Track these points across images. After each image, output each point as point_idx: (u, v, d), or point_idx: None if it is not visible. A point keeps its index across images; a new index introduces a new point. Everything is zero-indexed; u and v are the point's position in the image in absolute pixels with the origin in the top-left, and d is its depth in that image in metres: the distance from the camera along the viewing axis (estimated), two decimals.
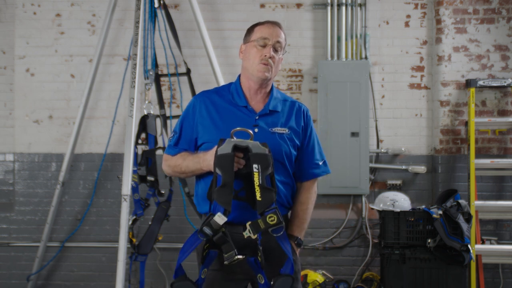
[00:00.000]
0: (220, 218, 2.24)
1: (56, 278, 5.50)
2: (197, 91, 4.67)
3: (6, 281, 5.50)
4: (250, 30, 2.61)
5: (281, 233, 2.30)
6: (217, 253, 2.35)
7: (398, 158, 5.44)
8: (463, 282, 4.58)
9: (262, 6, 5.50)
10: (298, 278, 2.57)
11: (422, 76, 5.46)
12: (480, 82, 5.13)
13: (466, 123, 5.21)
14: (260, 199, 2.26)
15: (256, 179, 2.26)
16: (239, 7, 5.48)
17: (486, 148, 5.32)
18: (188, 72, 5.08)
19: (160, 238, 4.69)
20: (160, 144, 4.85)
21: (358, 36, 5.42)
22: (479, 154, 5.22)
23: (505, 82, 5.16)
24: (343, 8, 5.40)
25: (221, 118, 2.53)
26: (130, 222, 4.48)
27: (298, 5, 5.50)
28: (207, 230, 2.25)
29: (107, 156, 5.42)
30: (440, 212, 4.56)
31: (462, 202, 4.67)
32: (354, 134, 5.28)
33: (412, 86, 5.46)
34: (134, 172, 4.54)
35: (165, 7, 4.99)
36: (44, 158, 5.54)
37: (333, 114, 5.29)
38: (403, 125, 5.46)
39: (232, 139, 2.30)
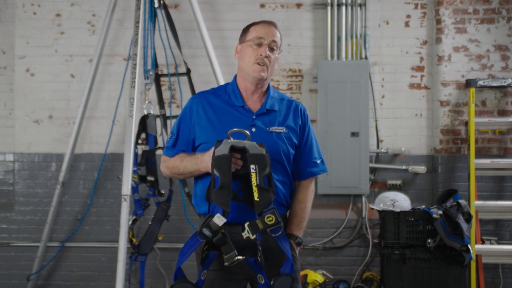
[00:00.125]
0: (219, 219, 2.24)
1: (56, 278, 5.50)
2: (197, 91, 4.67)
3: (6, 281, 5.50)
4: (246, 30, 2.61)
5: (280, 233, 2.30)
6: (217, 254, 2.35)
7: (398, 158, 5.44)
8: (463, 282, 4.58)
9: (262, 6, 5.50)
10: (298, 277, 2.57)
11: (422, 76, 5.46)
12: (480, 82, 5.13)
13: (466, 123, 5.21)
14: (258, 199, 2.26)
15: (254, 180, 2.26)
16: (239, 7, 5.48)
17: (486, 148, 5.32)
18: (188, 72, 5.08)
19: (160, 238, 4.69)
20: (160, 144, 4.85)
21: (358, 36, 5.42)
22: (479, 154, 5.22)
23: (505, 82, 5.16)
24: (343, 8, 5.40)
25: (218, 118, 2.53)
26: (130, 222, 4.48)
27: (298, 5, 5.50)
28: (206, 231, 2.25)
29: (107, 156, 5.42)
30: (440, 212, 4.57)
31: (462, 202, 4.67)
32: (354, 134, 5.28)
33: (412, 86, 5.46)
34: (134, 172, 4.54)
35: (165, 7, 4.99)
36: (44, 158, 5.54)
37: (333, 114, 5.29)
38: (403, 125, 5.46)
39: (229, 140, 2.30)
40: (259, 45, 2.53)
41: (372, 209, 5.07)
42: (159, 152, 4.70)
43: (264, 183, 2.28)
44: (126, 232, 4.44)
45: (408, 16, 5.46)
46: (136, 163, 4.55)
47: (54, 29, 5.52)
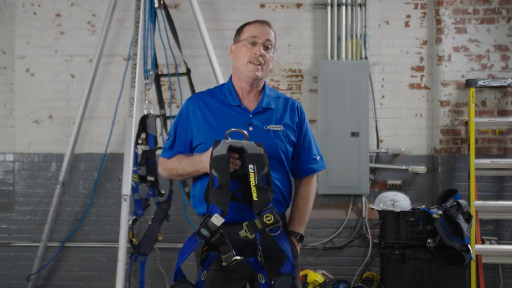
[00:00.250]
0: (217, 219, 2.24)
1: (56, 278, 5.50)
2: (197, 91, 4.67)
3: (6, 281, 5.50)
4: (240, 30, 2.61)
5: (279, 232, 2.30)
6: (217, 254, 2.35)
7: (398, 158, 5.44)
8: (463, 282, 4.58)
9: (262, 6, 5.50)
10: (297, 274, 2.57)
11: (422, 76, 5.46)
12: (480, 82, 5.13)
13: (466, 123, 5.21)
14: (256, 199, 2.27)
15: (252, 179, 2.27)
16: (239, 7, 5.48)
17: (486, 148, 5.32)
18: (188, 72, 5.08)
19: (160, 238, 4.69)
20: (160, 144, 4.84)
21: (358, 36, 5.42)
22: (479, 154, 5.22)
23: (505, 82, 5.16)
24: (343, 8, 5.40)
25: (215, 118, 2.53)
26: (130, 222, 4.47)
27: (298, 5, 5.50)
28: (204, 232, 2.25)
29: (107, 156, 5.42)
30: (440, 212, 4.56)
31: (462, 202, 4.67)
32: (354, 134, 5.28)
33: (412, 86, 5.46)
34: (134, 172, 4.54)
35: (165, 7, 4.99)
36: (44, 158, 5.54)
37: (333, 114, 5.28)
38: (403, 125, 5.46)
39: (227, 140, 2.30)
40: (254, 44, 2.53)
41: (372, 209, 5.07)
42: (159, 152, 4.69)
43: (262, 182, 2.28)
44: (126, 232, 4.44)
45: (408, 16, 5.46)
46: (136, 163, 4.55)
47: (54, 29, 5.52)
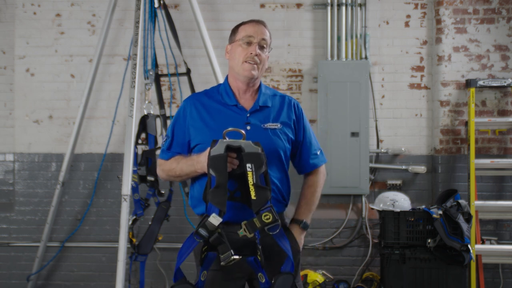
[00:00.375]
0: (215, 219, 2.24)
1: (56, 278, 5.50)
2: (197, 91, 4.68)
3: (6, 281, 5.50)
4: (235, 30, 2.61)
5: (277, 231, 2.30)
6: (216, 254, 2.35)
7: (398, 158, 5.44)
8: (463, 282, 4.58)
9: (262, 6, 5.50)
10: (298, 271, 2.58)
11: (422, 76, 5.46)
12: (480, 82, 5.13)
13: (466, 123, 5.21)
14: (255, 198, 2.27)
15: (250, 178, 2.27)
16: (239, 7, 5.48)
17: (486, 148, 5.32)
18: (188, 72, 5.08)
19: (160, 238, 4.69)
20: (160, 144, 4.85)
21: (358, 36, 5.42)
22: (479, 154, 5.22)
23: (505, 82, 5.16)
24: (343, 8, 5.40)
25: (212, 118, 2.53)
26: (130, 222, 4.48)
27: (298, 5, 5.50)
28: (202, 231, 2.25)
29: (107, 156, 5.42)
30: (440, 212, 4.57)
31: (462, 202, 4.67)
32: (354, 134, 5.28)
33: (412, 86, 5.46)
34: (134, 172, 4.54)
35: (165, 7, 4.99)
36: (44, 158, 5.54)
37: (333, 114, 5.29)
38: (403, 125, 5.46)
39: (225, 140, 2.30)
40: (249, 44, 2.54)
41: (372, 209, 5.07)
42: (159, 152, 4.70)
43: (260, 181, 2.28)
44: (126, 232, 4.44)
45: (408, 16, 5.46)
46: (136, 163, 4.55)
47: (54, 29, 5.52)
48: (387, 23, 5.47)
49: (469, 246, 4.46)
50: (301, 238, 2.63)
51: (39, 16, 5.52)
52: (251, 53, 2.51)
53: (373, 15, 5.46)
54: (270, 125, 2.55)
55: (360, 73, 5.29)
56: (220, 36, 5.41)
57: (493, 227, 5.33)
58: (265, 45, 2.56)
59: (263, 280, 2.34)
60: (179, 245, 2.36)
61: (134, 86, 4.73)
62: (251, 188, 2.27)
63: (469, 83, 5.15)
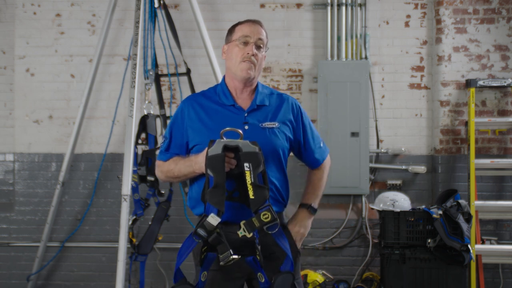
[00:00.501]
0: (213, 219, 2.24)
1: (56, 278, 5.50)
2: (197, 91, 4.68)
3: (6, 281, 5.50)
4: (231, 30, 2.61)
5: (276, 230, 2.30)
6: (216, 255, 2.35)
7: (398, 158, 5.44)
8: (463, 282, 4.58)
9: (262, 6, 5.50)
10: (298, 267, 2.59)
11: (422, 76, 5.46)
12: (480, 82, 5.13)
13: (466, 123, 5.21)
14: (253, 197, 2.27)
15: (248, 178, 2.27)
16: (239, 7, 5.48)
17: (486, 148, 5.32)
18: (188, 72, 5.08)
19: (160, 238, 4.69)
20: (160, 144, 4.84)
21: (358, 36, 5.42)
22: (479, 154, 5.22)
23: (505, 82, 5.16)
24: (343, 8, 5.40)
25: (210, 119, 2.53)
26: (130, 222, 4.47)
27: (298, 5, 5.50)
28: (201, 232, 2.26)
29: (107, 156, 5.42)
30: (440, 212, 4.56)
31: (462, 202, 4.67)
32: (354, 134, 5.28)
33: (412, 86, 5.46)
34: (134, 172, 4.54)
35: (165, 7, 4.99)
36: (44, 158, 5.54)
37: (333, 114, 5.29)
38: (403, 125, 5.46)
39: (222, 140, 2.30)
40: (246, 44, 2.53)
41: (372, 209, 5.07)
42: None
43: (258, 180, 2.28)
44: (126, 232, 4.44)
45: (408, 16, 5.46)
46: (136, 163, 4.55)
47: (54, 29, 5.52)
48: (387, 23, 5.47)
49: (469, 246, 4.46)
50: (308, 222, 2.64)
51: (39, 16, 5.52)
52: (248, 53, 2.51)
53: (373, 15, 5.46)
54: (268, 124, 2.54)
55: (360, 73, 5.29)
56: (220, 36, 5.39)
57: (493, 227, 5.33)
58: (261, 45, 2.56)
59: (263, 280, 2.34)
60: (179, 245, 2.36)
61: (134, 86, 4.73)
62: (249, 188, 2.27)
63: (469, 83, 5.15)
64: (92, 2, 5.51)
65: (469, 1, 5.33)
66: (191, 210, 2.59)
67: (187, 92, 5.11)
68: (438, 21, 5.35)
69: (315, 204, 2.69)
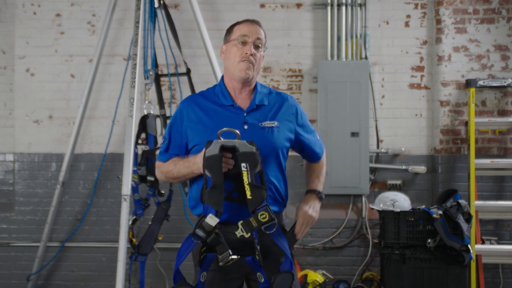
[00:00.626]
0: (211, 220, 2.24)
1: (56, 278, 5.50)
2: (197, 91, 4.68)
3: (6, 281, 5.50)
4: (230, 30, 2.61)
5: (274, 230, 2.30)
6: (215, 255, 2.35)
7: (398, 158, 5.44)
8: (463, 282, 4.58)
9: (262, 6, 5.50)
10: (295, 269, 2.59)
11: (422, 76, 5.46)
12: (480, 82, 5.13)
13: (466, 123, 5.21)
14: (250, 197, 2.27)
15: (245, 178, 2.27)
16: (239, 7, 5.48)
17: (486, 148, 5.32)
18: (188, 72, 5.08)
19: (160, 238, 4.69)
20: (160, 144, 4.84)
21: (358, 36, 5.42)
22: (479, 154, 5.22)
23: (505, 82, 5.16)
24: (343, 8, 5.40)
25: (210, 119, 2.53)
26: (130, 222, 4.47)
27: (298, 5, 5.50)
28: (200, 232, 2.26)
29: (107, 156, 5.42)
30: (440, 212, 4.57)
31: (462, 202, 4.68)
32: (354, 134, 5.28)
33: (412, 86, 5.46)
34: (134, 172, 4.54)
35: (165, 7, 4.99)
36: (44, 158, 5.54)
37: (333, 114, 5.29)
38: (403, 125, 5.46)
39: (219, 140, 2.30)
40: (244, 43, 2.53)
41: (372, 209, 5.07)
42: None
43: (256, 180, 2.28)
44: (126, 232, 4.44)
45: (408, 16, 5.46)
46: (136, 163, 4.55)
47: (54, 29, 5.52)
48: (387, 23, 5.47)
49: (469, 246, 4.46)
50: (318, 207, 2.63)
51: (39, 16, 5.52)
52: (246, 53, 2.51)
53: (373, 15, 5.46)
54: (267, 123, 2.54)
55: (360, 73, 5.29)
56: (220, 36, 5.34)
57: (493, 227, 5.33)
58: (260, 45, 2.56)
59: (262, 280, 2.34)
60: (179, 245, 2.37)
61: (134, 86, 4.73)
62: (247, 188, 2.27)
63: (469, 83, 5.15)
64: (92, 2, 5.51)
65: (469, 1, 5.33)
66: (191, 210, 2.59)
67: (187, 92, 5.11)
68: (438, 21, 5.35)
69: (321, 190, 2.69)
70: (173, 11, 5.39)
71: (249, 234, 2.28)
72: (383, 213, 4.78)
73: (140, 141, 4.65)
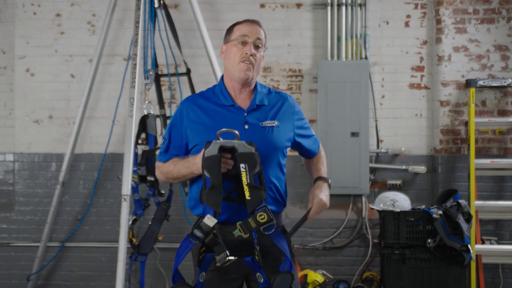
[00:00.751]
0: (209, 220, 2.24)
1: (56, 278, 5.50)
2: (197, 91, 4.68)
3: (6, 281, 5.50)
4: (230, 30, 2.60)
5: (273, 230, 2.30)
6: (214, 255, 2.35)
7: (398, 158, 5.44)
8: (463, 282, 4.58)
9: (262, 6, 5.50)
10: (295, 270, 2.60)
11: (422, 76, 5.46)
12: (480, 82, 5.13)
13: (466, 123, 5.21)
14: (249, 198, 2.27)
15: (244, 179, 2.27)
16: (239, 7, 5.48)
17: (486, 148, 5.32)
18: (188, 72, 5.08)
19: (160, 238, 4.69)
20: (160, 144, 4.84)
21: (358, 36, 5.42)
22: (479, 154, 5.22)
23: (505, 82, 5.16)
24: (343, 8, 5.40)
25: (210, 119, 2.52)
26: (130, 222, 4.47)
27: (298, 5, 5.50)
28: (198, 233, 2.26)
29: (107, 156, 5.42)
30: (440, 212, 4.57)
31: (462, 202, 4.68)
32: (354, 134, 5.28)
33: (412, 86, 5.46)
34: (134, 172, 4.54)
35: (165, 7, 4.99)
36: (44, 158, 5.54)
37: (333, 114, 5.29)
38: (403, 125, 5.46)
39: (218, 141, 2.30)
40: (244, 43, 2.52)
41: (372, 209, 5.07)
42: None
43: (255, 181, 2.27)
44: (126, 232, 4.44)
45: (408, 16, 5.46)
46: (136, 163, 4.55)
47: (54, 29, 5.52)
48: (387, 23, 5.47)
49: (469, 246, 4.46)
50: (328, 194, 2.62)
51: (39, 16, 5.53)
52: (246, 53, 2.50)
53: (373, 15, 5.46)
54: (268, 123, 2.54)
55: (360, 73, 5.29)
56: (220, 36, 5.33)
57: (493, 227, 5.33)
58: (260, 45, 2.56)
59: (262, 280, 2.34)
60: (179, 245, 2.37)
61: (134, 86, 4.73)
62: (245, 188, 2.27)
63: (469, 83, 5.15)
64: (92, 2, 5.51)
65: (469, 1, 5.33)
66: (191, 210, 2.59)
67: (187, 92, 5.11)
68: (438, 21, 5.35)
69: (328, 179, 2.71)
70: (173, 11, 5.39)
71: (248, 235, 2.28)
72: (383, 213, 4.78)
73: (140, 141, 4.65)
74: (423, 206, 4.85)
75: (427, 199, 5.40)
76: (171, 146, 2.60)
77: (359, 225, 5.41)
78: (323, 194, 2.59)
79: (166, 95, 5.30)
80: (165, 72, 5.18)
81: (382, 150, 5.41)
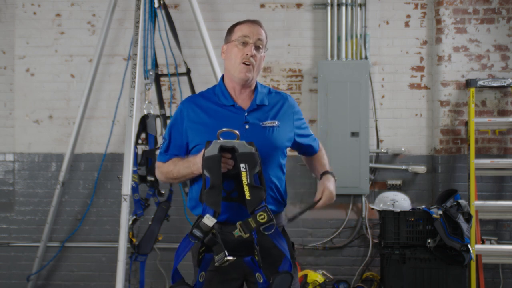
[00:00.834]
0: (209, 220, 2.24)
1: (56, 278, 5.50)
2: (197, 91, 4.68)
3: (6, 281, 5.50)
4: (231, 30, 2.60)
5: (273, 230, 2.30)
6: (213, 255, 2.35)
7: (398, 158, 5.44)
8: (463, 282, 4.58)
9: (262, 6, 5.50)
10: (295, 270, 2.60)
11: (422, 76, 5.46)
12: (480, 82, 5.13)
13: (466, 123, 5.21)
14: (249, 198, 2.27)
15: (244, 179, 2.27)
16: (239, 7, 5.48)
17: (486, 148, 5.32)
18: (188, 72, 5.08)
19: (160, 238, 4.69)
20: (160, 144, 4.84)
21: (358, 36, 5.42)
22: (479, 154, 5.22)
23: (505, 82, 5.16)
24: (343, 8, 5.40)
25: (210, 119, 2.52)
26: (130, 222, 4.47)
27: (298, 5, 5.50)
28: (197, 232, 2.26)
29: (107, 156, 5.42)
30: (440, 212, 4.57)
31: (462, 202, 4.68)
32: (354, 134, 5.28)
33: (412, 86, 5.46)
34: (134, 172, 4.54)
35: (165, 7, 4.99)
36: (44, 158, 5.54)
37: (333, 114, 5.29)
38: (403, 125, 5.46)
39: (218, 141, 2.30)
40: (245, 44, 2.52)
41: (372, 209, 5.07)
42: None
43: (255, 181, 2.28)
44: (126, 232, 4.44)
45: (408, 16, 5.46)
46: (136, 163, 4.55)
47: (54, 29, 5.52)
48: (387, 23, 5.47)
49: (469, 246, 4.46)
50: (335, 187, 2.64)
51: (39, 16, 5.52)
52: (247, 54, 2.50)
53: (373, 15, 5.46)
54: (268, 123, 2.54)
55: (360, 73, 5.29)
56: (220, 36, 5.36)
57: (493, 227, 5.33)
58: (261, 46, 2.55)
59: (261, 280, 2.34)
60: None
61: (134, 86, 4.73)
62: (246, 188, 2.27)
63: (469, 83, 5.15)
64: (92, 2, 5.51)
65: (469, 1, 5.33)
66: (191, 211, 2.59)
67: (187, 92, 5.11)
68: (438, 21, 5.35)
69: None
70: (173, 11, 5.39)
71: (248, 235, 2.28)
72: (383, 213, 4.78)
73: (140, 141, 4.65)
74: (423, 206, 4.85)
75: (427, 199, 5.40)
76: (171, 146, 2.60)
77: (359, 225, 5.41)
78: (332, 186, 2.63)
79: (166, 95, 5.30)
80: (165, 72, 5.18)
81: (382, 150, 5.41)
